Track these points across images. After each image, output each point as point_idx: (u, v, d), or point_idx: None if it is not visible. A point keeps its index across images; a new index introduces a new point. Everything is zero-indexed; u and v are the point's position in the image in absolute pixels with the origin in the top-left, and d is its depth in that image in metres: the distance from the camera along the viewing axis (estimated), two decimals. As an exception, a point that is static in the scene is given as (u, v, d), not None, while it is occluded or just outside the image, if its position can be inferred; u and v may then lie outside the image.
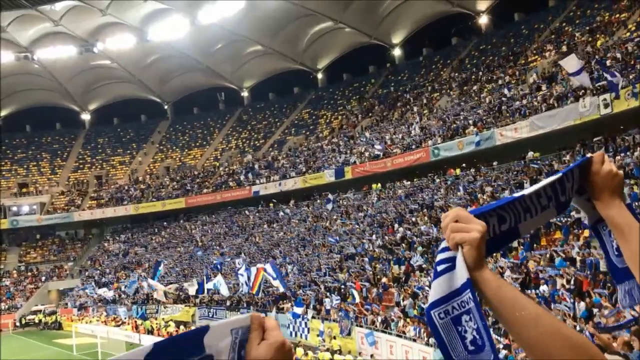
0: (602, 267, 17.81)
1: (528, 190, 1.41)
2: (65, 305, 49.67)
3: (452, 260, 1.25)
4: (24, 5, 54.14)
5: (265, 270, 29.23)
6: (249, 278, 29.82)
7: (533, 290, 18.64)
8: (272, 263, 30.70)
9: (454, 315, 1.22)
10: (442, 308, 1.23)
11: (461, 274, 1.23)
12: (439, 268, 1.26)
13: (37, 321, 46.70)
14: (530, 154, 29.20)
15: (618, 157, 22.95)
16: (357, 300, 25.17)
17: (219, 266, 38.96)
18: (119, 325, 38.32)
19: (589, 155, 1.51)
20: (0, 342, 32.80)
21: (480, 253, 1.24)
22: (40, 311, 47.44)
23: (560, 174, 1.44)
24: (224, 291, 32.97)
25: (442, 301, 1.23)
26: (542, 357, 1.18)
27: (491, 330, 1.38)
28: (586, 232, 20.20)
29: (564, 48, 34.08)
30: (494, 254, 21.25)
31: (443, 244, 1.28)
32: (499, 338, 15.71)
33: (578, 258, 19.00)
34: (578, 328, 14.93)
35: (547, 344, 1.17)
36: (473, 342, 1.20)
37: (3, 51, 59.69)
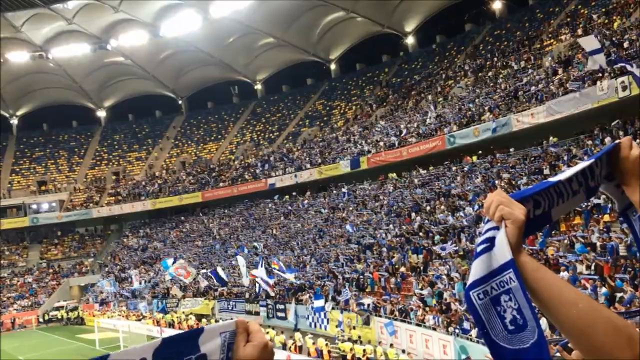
0: (623, 251, 17.63)
1: (563, 175, 1.40)
2: (86, 300, 50.32)
3: (491, 241, 1.25)
4: (37, 4, 54.59)
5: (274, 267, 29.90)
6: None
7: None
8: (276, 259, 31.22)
9: (493, 296, 1.22)
10: (482, 288, 1.23)
11: (502, 253, 1.22)
12: (479, 248, 1.26)
13: (59, 317, 47.44)
14: (551, 139, 28.88)
15: (638, 141, 22.60)
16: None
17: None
18: (139, 320, 38.74)
19: (617, 141, 1.47)
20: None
21: (521, 235, 1.25)
22: (62, 307, 48.17)
23: (591, 160, 1.43)
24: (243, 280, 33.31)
25: (481, 281, 1.23)
26: (581, 338, 1.19)
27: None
28: (606, 217, 19.99)
29: (580, 31, 33.59)
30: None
31: (487, 225, 1.28)
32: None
33: (598, 243, 18.81)
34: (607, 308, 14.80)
35: (587, 324, 1.17)
36: (513, 321, 1.20)
37: (18, 51, 60.35)
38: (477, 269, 1.24)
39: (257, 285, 31.44)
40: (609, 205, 20.05)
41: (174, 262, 37.15)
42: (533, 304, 1.21)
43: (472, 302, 1.23)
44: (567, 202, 1.41)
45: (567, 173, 1.40)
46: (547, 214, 1.37)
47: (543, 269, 1.24)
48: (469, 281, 1.26)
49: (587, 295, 1.26)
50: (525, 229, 1.28)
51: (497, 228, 1.25)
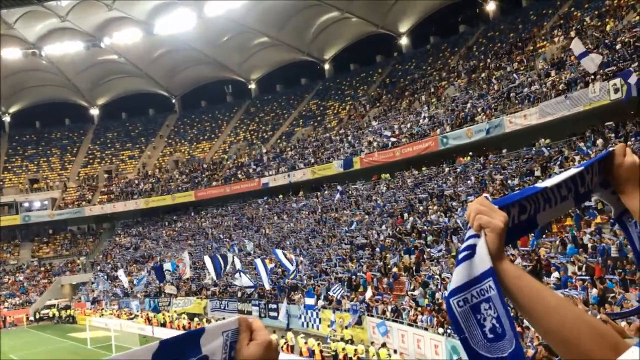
0: (614, 253, 17.74)
1: (551, 181, 1.41)
2: (78, 299, 50.12)
3: (472, 248, 1.25)
4: (30, 1, 54.29)
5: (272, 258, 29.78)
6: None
7: (545, 278, 18.60)
8: (275, 250, 31.04)
9: (473, 304, 1.22)
10: (462, 296, 1.23)
11: (482, 261, 1.22)
12: (460, 256, 1.26)
13: (51, 315, 47.20)
14: (542, 141, 29.02)
15: (629, 142, 22.76)
16: (369, 294, 25.11)
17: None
18: (131, 319, 38.62)
19: (610, 148, 1.49)
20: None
21: (501, 242, 1.24)
22: (54, 305, 47.95)
23: (581, 167, 1.44)
24: (245, 282, 33.19)
25: (461, 289, 1.23)
26: (564, 345, 1.18)
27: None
28: (598, 219, 20.09)
29: (573, 33, 33.75)
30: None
31: (469, 232, 1.28)
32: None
33: (589, 244, 18.90)
34: (590, 314, 14.90)
35: (570, 331, 1.17)
36: (492, 330, 1.20)
37: (11, 48, 60.01)
38: (458, 277, 1.24)
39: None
40: (599, 208, 20.16)
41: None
42: (512, 314, 1.20)
43: (452, 309, 1.24)
44: (554, 207, 1.42)
45: (555, 179, 1.41)
46: (533, 219, 1.37)
47: (525, 277, 1.24)
48: (450, 288, 1.26)
49: (571, 302, 1.25)
50: (509, 235, 1.28)
51: (477, 236, 1.25)
